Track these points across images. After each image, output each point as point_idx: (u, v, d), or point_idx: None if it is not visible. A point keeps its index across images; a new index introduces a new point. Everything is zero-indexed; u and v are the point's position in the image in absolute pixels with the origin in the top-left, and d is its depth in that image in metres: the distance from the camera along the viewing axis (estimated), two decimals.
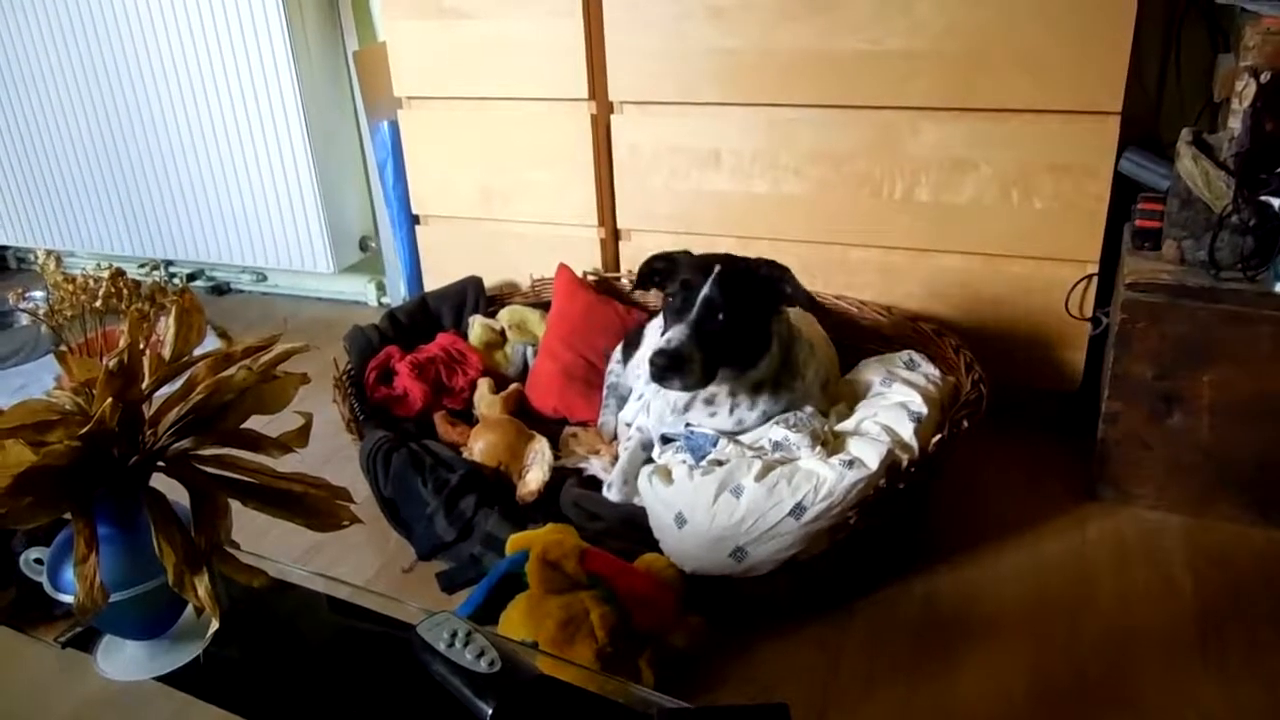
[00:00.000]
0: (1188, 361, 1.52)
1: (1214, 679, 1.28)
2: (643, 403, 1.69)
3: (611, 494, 1.56)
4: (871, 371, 1.62)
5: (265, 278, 2.89)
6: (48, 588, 0.90)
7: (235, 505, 0.89)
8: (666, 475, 1.45)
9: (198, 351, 0.93)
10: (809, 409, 1.52)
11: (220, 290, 2.92)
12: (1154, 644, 1.34)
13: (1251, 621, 1.37)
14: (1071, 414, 1.83)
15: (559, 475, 1.63)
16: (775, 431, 1.48)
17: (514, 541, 1.38)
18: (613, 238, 2.12)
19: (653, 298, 1.98)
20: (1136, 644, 1.35)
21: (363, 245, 2.60)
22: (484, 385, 1.90)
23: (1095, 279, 1.74)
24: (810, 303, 1.51)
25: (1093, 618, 1.40)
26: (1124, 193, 1.70)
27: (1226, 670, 1.29)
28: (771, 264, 1.50)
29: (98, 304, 1.79)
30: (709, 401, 1.55)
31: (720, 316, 1.44)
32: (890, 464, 1.37)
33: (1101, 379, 1.68)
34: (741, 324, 1.46)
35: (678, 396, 1.56)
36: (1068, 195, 1.68)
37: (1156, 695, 1.26)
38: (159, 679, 0.92)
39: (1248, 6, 1.46)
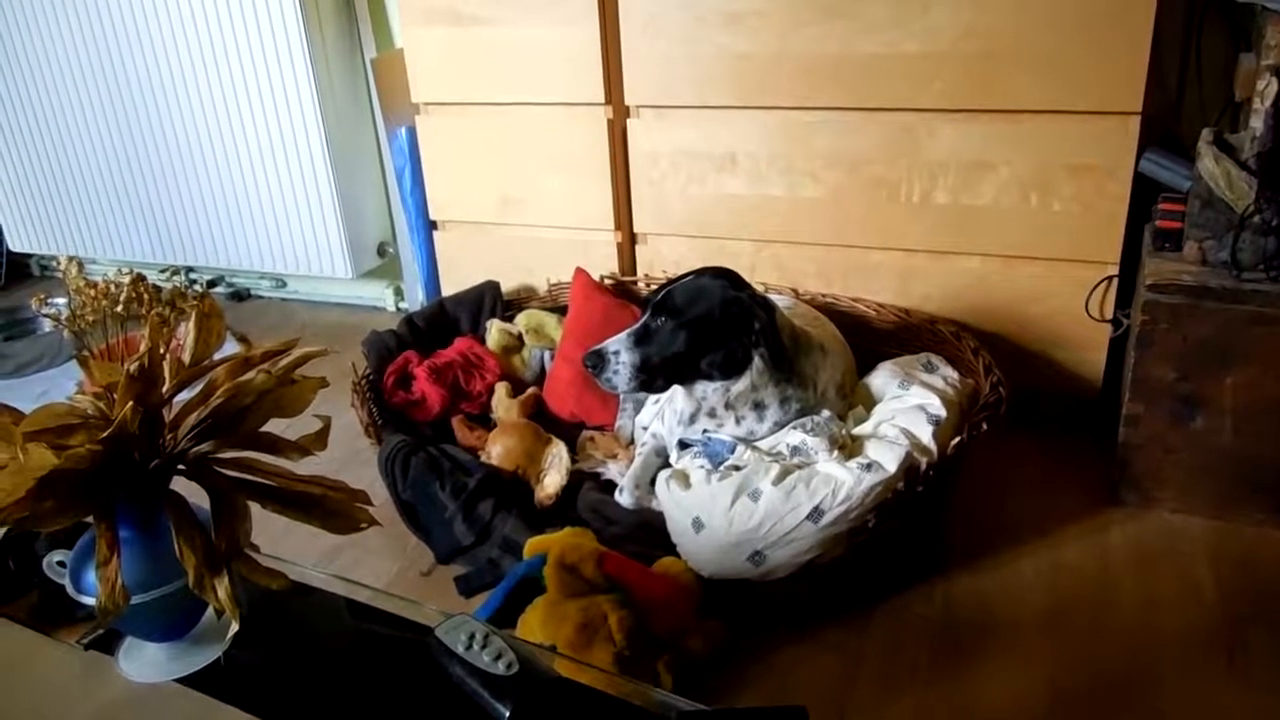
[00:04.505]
0: (1210, 363, 1.50)
1: (1238, 685, 1.26)
2: (659, 408, 1.69)
3: (623, 499, 1.56)
4: (889, 374, 1.61)
5: (284, 283, 2.91)
6: (70, 590, 0.91)
7: (255, 508, 0.90)
8: (684, 480, 1.45)
9: (217, 356, 0.94)
10: (826, 413, 1.52)
11: (240, 296, 2.94)
12: (1177, 649, 1.33)
13: (1276, 626, 1.36)
14: (1092, 417, 1.82)
15: (576, 479, 1.64)
16: (793, 436, 1.48)
17: (532, 545, 1.38)
18: (629, 242, 2.12)
19: None
20: (1159, 649, 1.33)
21: (381, 251, 2.61)
22: (501, 389, 1.90)
23: (1115, 280, 1.72)
24: (776, 356, 1.49)
25: (1114, 622, 1.39)
26: (1144, 193, 1.69)
27: (1250, 676, 1.28)
28: (756, 299, 1.51)
29: (119, 309, 1.80)
30: (711, 415, 1.56)
31: (662, 323, 1.49)
32: (909, 467, 1.36)
33: (1122, 381, 1.67)
34: (694, 337, 1.48)
35: (684, 408, 1.58)
36: (1087, 196, 1.67)
37: (1179, 701, 1.24)
38: (180, 681, 0.93)
39: (1268, 5, 1.44)
